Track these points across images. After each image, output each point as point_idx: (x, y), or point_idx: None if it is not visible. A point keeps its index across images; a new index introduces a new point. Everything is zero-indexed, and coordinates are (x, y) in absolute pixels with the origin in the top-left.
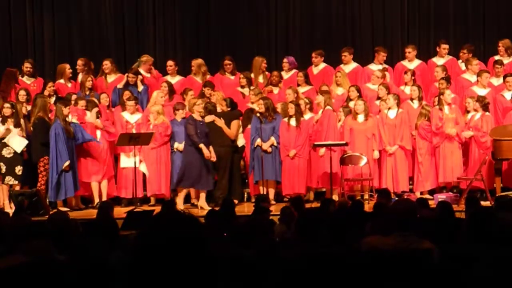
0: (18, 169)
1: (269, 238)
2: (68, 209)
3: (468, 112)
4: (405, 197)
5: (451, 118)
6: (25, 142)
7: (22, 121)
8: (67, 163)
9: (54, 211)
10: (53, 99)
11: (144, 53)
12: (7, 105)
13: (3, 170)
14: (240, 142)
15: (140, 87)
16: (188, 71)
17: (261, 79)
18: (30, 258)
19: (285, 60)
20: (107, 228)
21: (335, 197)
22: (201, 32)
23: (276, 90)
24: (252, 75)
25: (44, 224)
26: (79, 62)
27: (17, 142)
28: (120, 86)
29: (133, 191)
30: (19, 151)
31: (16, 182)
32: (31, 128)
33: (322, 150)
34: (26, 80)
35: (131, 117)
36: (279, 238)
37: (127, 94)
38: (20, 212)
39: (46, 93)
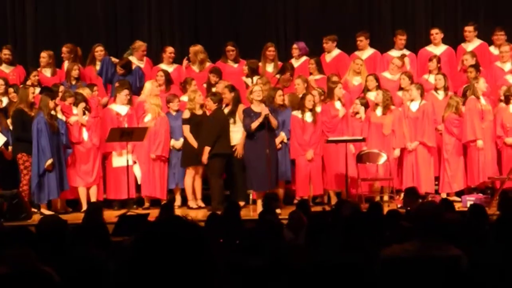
0: None
1: (277, 244)
2: (52, 213)
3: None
4: (429, 199)
5: (488, 111)
6: (4, 138)
7: None
8: (50, 161)
9: (45, 214)
10: (37, 90)
11: (138, 39)
12: None
13: None
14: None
15: (133, 66)
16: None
17: (270, 68)
18: (11, 269)
19: (294, 45)
20: (97, 233)
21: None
22: (201, 17)
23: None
24: (260, 64)
25: (25, 230)
26: (64, 49)
27: None
28: (114, 59)
29: (127, 192)
30: None
31: None
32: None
33: (351, 147)
34: (4, 68)
35: (122, 109)
36: (287, 246)
37: (118, 83)
38: None
39: (29, 82)
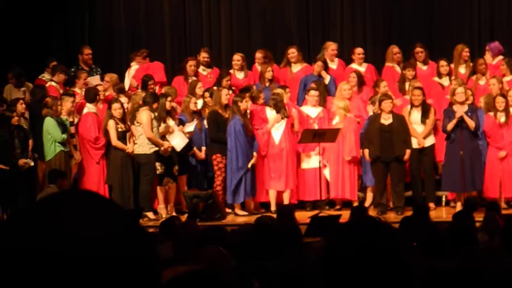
0: (176, 169)
1: (471, 248)
2: (246, 213)
3: None
4: None
5: None
6: (186, 140)
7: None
8: (253, 160)
9: (261, 215)
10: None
11: (329, 40)
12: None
13: (160, 170)
14: (430, 140)
15: (327, 78)
16: (378, 59)
17: (462, 69)
18: (205, 267)
19: (487, 48)
20: (289, 234)
21: None
22: (394, 17)
23: (482, 81)
24: (452, 65)
25: (220, 230)
26: (258, 55)
27: (177, 140)
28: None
29: (319, 194)
30: (178, 149)
31: (174, 183)
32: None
33: None
34: (202, 71)
35: (312, 111)
36: (482, 248)
37: (313, 84)
38: (195, 216)
39: (224, 84)
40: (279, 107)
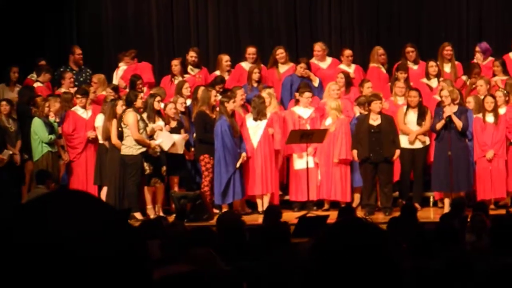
0: (164, 170)
1: (458, 248)
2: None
3: None
4: None
5: None
6: (172, 140)
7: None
8: (241, 160)
9: (223, 211)
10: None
11: (318, 41)
12: (158, 98)
13: (148, 170)
14: (425, 142)
15: (316, 81)
16: (366, 60)
17: (447, 68)
18: (193, 268)
19: (477, 48)
20: (277, 234)
21: None
22: (382, 17)
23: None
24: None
25: (208, 230)
26: (251, 49)
27: (163, 139)
28: None
29: (307, 194)
30: (165, 148)
31: (162, 184)
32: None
33: None
34: (190, 70)
35: (304, 112)
36: (469, 249)
37: (301, 85)
38: (182, 217)
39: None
40: (257, 110)
